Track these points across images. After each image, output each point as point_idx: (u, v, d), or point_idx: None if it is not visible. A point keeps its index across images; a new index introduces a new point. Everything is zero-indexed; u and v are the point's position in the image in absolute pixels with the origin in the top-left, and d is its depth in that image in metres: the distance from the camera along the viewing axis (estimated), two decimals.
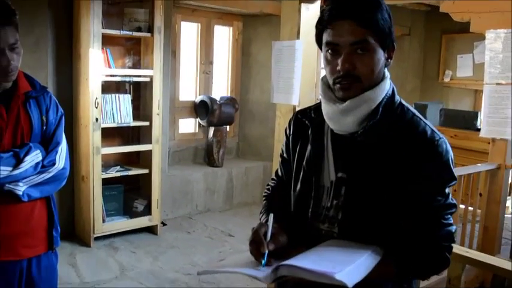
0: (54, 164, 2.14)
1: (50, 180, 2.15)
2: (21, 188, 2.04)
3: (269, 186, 1.81)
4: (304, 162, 1.59)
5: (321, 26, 1.45)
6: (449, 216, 1.46)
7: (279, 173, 1.76)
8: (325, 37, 1.44)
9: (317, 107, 1.62)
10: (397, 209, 1.44)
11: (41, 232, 2.22)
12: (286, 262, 1.32)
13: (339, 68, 1.40)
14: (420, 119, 1.49)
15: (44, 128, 2.15)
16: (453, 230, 1.47)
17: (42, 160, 2.10)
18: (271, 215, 1.47)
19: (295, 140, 1.65)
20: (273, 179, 1.82)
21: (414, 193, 1.43)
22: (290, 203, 1.64)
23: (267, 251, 1.38)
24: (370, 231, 1.46)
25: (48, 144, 2.15)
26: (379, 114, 1.45)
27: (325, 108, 1.51)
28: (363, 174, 1.46)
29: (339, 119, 1.47)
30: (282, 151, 1.73)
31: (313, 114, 1.61)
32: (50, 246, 2.26)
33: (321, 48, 1.50)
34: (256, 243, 1.41)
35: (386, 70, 1.49)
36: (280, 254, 1.42)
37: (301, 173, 1.59)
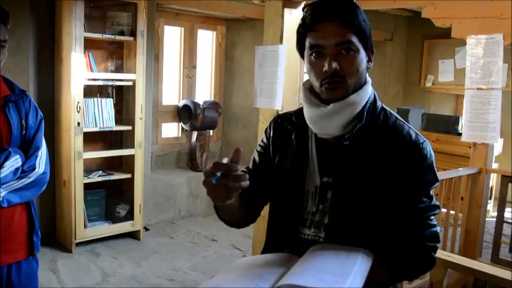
0: (34, 168, 2.12)
1: (30, 186, 2.12)
2: (0, 194, 2.01)
3: None
4: (287, 167, 1.58)
5: (304, 30, 1.46)
6: (433, 217, 1.49)
7: (250, 166, 1.72)
8: (309, 41, 1.44)
9: (297, 112, 1.62)
10: (383, 212, 1.45)
11: (21, 238, 2.19)
12: (286, 281, 1.28)
13: (325, 69, 1.40)
14: (403, 122, 1.52)
15: (24, 132, 2.13)
16: (438, 231, 1.51)
17: (22, 165, 2.07)
18: (226, 159, 1.33)
19: (275, 145, 1.64)
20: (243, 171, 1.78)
21: (400, 195, 1.44)
22: (255, 191, 1.56)
23: (219, 174, 1.25)
24: (358, 235, 1.46)
25: (28, 149, 2.13)
26: (364, 118, 1.46)
27: (308, 113, 1.51)
28: (350, 178, 1.47)
29: (323, 122, 1.47)
30: (258, 148, 1.70)
31: (294, 119, 1.61)
32: (30, 252, 2.23)
33: (301, 55, 1.50)
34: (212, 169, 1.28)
35: (368, 75, 1.50)
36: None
37: (285, 178, 1.58)
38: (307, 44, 1.45)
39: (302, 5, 3.39)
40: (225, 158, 1.30)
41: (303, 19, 1.47)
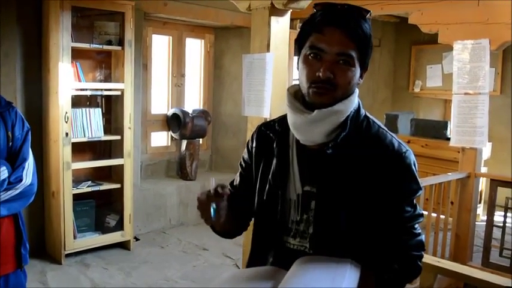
0: (21, 180, 2.10)
1: (17, 197, 2.11)
2: None
3: None
4: (270, 176, 1.57)
5: (309, 28, 1.44)
6: (418, 225, 1.49)
7: (234, 183, 1.75)
8: (311, 40, 1.43)
9: (281, 119, 1.61)
10: (367, 222, 1.44)
11: (8, 250, 2.18)
12: None
13: (319, 74, 1.39)
14: (386, 131, 1.51)
15: (10, 143, 2.12)
16: (423, 239, 1.52)
17: (9, 177, 2.06)
18: (213, 179, 1.46)
19: (259, 154, 1.63)
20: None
21: (384, 205, 1.44)
22: (243, 210, 1.65)
23: (214, 205, 1.40)
24: (342, 245, 1.46)
25: (15, 160, 2.12)
26: (347, 127, 1.45)
27: (292, 119, 1.50)
28: (333, 188, 1.46)
29: (307, 129, 1.46)
30: (242, 163, 1.72)
31: (277, 127, 1.60)
32: (18, 265, 2.22)
33: (298, 49, 1.49)
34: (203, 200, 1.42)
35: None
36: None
37: (267, 187, 1.57)
38: (308, 42, 1.44)
39: (289, 13, 3.41)
40: (213, 178, 1.43)
41: (312, 16, 1.45)
